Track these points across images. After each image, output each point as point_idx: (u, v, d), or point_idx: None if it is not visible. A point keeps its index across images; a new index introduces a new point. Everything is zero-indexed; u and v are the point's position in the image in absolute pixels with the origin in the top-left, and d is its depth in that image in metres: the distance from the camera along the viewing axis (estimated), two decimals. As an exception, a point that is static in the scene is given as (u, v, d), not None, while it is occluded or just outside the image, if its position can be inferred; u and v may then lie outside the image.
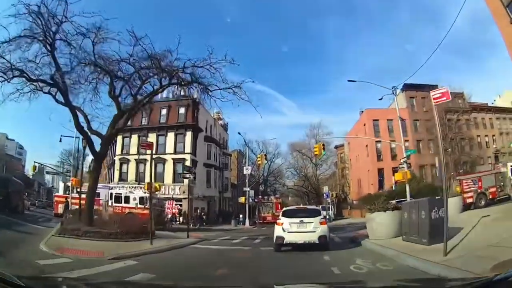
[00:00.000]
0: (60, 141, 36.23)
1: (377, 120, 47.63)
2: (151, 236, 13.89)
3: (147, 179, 32.70)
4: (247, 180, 41.11)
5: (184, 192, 35.64)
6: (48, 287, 3.38)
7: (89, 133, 16.92)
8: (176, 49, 16.29)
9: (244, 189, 40.63)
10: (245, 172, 41.89)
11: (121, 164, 41.55)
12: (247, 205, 39.24)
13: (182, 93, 18.55)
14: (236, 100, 17.01)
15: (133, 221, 17.97)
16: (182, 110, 42.14)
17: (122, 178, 39.84)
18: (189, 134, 41.14)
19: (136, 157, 37.65)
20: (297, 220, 12.18)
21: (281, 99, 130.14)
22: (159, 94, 42.09)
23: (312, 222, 11.98)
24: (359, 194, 52.26)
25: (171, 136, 41.50)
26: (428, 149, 43.80)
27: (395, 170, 42.73)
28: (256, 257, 11.72)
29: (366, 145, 49.09)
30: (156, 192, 29.80)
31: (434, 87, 44.13)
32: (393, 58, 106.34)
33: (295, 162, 69.97)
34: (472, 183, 21.59)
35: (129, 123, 40.61)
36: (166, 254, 12.50)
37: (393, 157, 44.85)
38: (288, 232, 12.00)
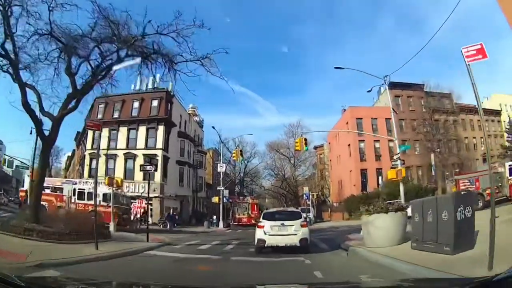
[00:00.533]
0: (31, 133, 33.25)
1: (361, 118, 45.98)
2: (95, 238, 11.53)
3: (117, 175, 30.65)
4: (221, 179, 38.41)
5: (154, 190, 33.25)
6: (48, 287, 3.36)
7: (36, 113, 14.77)
8: (143, 22, 14.61)
9: (218, 188, 37.91)
10: (219, 169, 39.16)
11: (91, 160, 38.57)
12: (221, 206, 36.58)
13: (145, 69, 16.09)
14: (205, 75, 15.64)
15: (90, 219, 15.70)
16: (155, 103, 40.27)
17: (92, 175, 36.72)
18: (161, 129, 38.91)
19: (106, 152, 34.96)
20: (278, 223, 12.05)
21: (259, 101, 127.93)
22: (132, 86, 40.55)
23: (293, 225, 11.89)
24: (340, 196, 50.41)
25: (142, 130, 39.29)
26: (414, 150, 42.21)
27: (379, 171, 41.51)
28: (224, 272, 8.85)
29: (349, 145, 47.12)
30: (125, 189, 27.43)
31: (420, 86, 43.35)
32: (375, 63, 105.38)
33: (272, 163, 68.35)
34: (469, 183, 20.41)
35: (100, 116, 39.09)
36: (106, 263, 9.88)
37: (377, 157, 43.40)
38: (269, 235, 11.82)
